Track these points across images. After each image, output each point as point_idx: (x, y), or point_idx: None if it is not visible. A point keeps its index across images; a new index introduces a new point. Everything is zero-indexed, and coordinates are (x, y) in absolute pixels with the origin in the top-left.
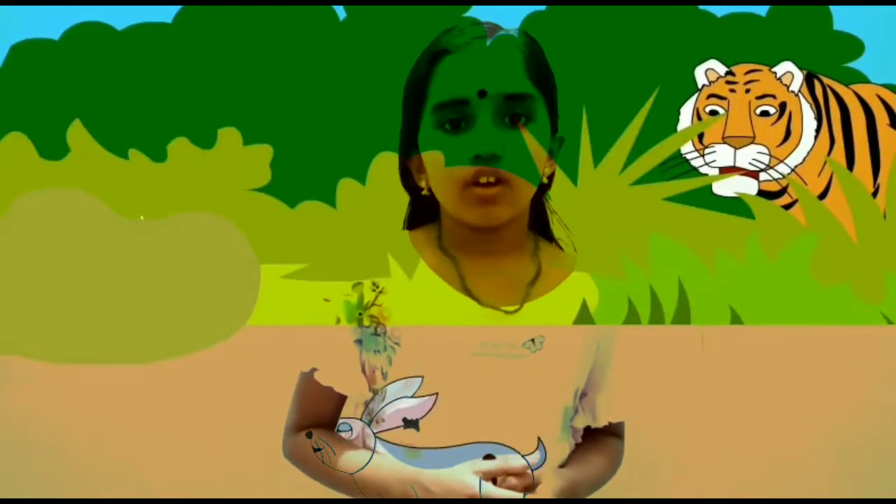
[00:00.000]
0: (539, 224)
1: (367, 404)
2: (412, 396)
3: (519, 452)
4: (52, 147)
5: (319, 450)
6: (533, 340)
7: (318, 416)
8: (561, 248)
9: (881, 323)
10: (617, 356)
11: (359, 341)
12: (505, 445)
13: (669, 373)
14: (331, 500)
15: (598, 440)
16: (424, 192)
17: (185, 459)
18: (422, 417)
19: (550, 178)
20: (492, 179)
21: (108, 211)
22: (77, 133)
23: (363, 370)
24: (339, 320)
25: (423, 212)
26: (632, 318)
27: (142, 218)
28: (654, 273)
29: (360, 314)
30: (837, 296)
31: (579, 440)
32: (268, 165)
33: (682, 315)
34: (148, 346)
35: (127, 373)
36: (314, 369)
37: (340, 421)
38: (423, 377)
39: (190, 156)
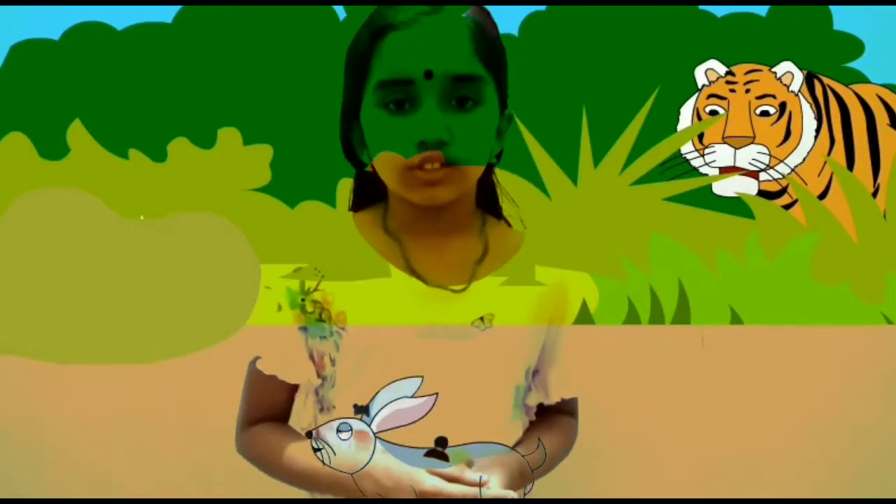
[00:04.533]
0: (487, 201)
1: (317, 391)
2: (412, 396)
3: (519, 452)
4: (52, 147)
5: (319, 449)
6: (482, 319)
7: (269, 407)
8: (510, 224)
9: (881, 323)
10: (616, 355)
11: (304, 328)
12: (504, 445)
13: (669, 372)
14: (331, 500)
15: (551, 419)
16: (368, 169)
17: (184, 459)
18: (421, 417)
19: (499, 155)
20: (437, 165)
21: (108, 211)
22: (77, 133)
23: (311, 357)
24: (280, 307)
25: (368, 190)
26: (632, 318)
27: (142, 218)
28: (654, 273)
29: (302, 300)
30: (837, 296)
31: (533, 418)
32: (268, 165)
33: (682, 315)
34: (148, 346)
35: (127, 372)
36: (257, 357)
37: (340, 421)
38: (422, 377)
39: (190, 156)
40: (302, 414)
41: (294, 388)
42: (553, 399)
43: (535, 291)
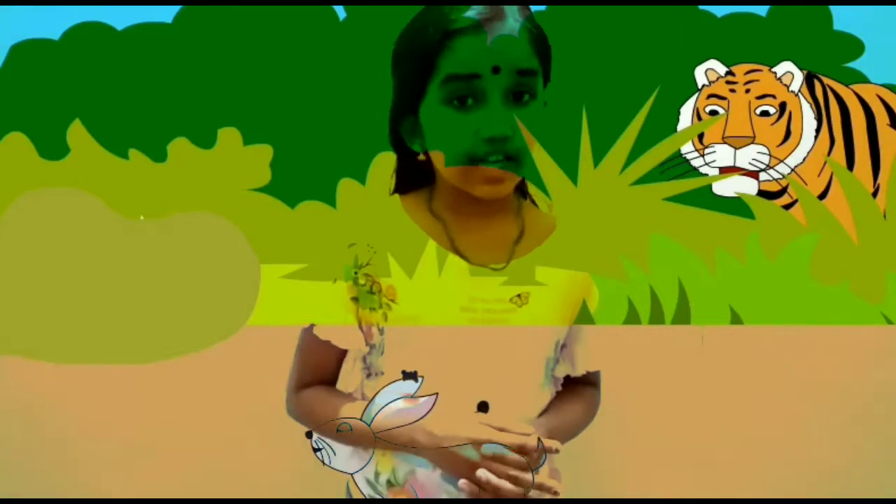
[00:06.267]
0: (518, 185)
1: (364, 359)
2: (413, 396)
3: (519, 452)
4: (52, 147)
5: (319, 450)
6: (519, 296)
7: (320, 370)
8: (536, 204)
9: (881, 323)
10: (616, 354)
11: (355, 299)
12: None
13: (669, 373)
14: (332, 500)
15: (576, 389)
16: (421, 158)
17: (184, 459)
18: (421, 418)
19: None
20: (500, 157)
21: (108, 211)
22: (77, 133)
23: (360, 326)
24: (335, 279)
25: (412, 175)
26: (632, 318)
27: (142, 218)
28: (654, 273)
29: (355, 273)
30: (837, 296)
31: (560, 388)
32: (268, 165)
33: (682, 315)
34: (147, 346)
35: (126, 373)
36: (312, 325)
37: (341, 422)
38: (423, 377)
39: (190, 156)
40: (350, 379)
41: (343, 354)
42: (579, 371)
43: (566, 273)
